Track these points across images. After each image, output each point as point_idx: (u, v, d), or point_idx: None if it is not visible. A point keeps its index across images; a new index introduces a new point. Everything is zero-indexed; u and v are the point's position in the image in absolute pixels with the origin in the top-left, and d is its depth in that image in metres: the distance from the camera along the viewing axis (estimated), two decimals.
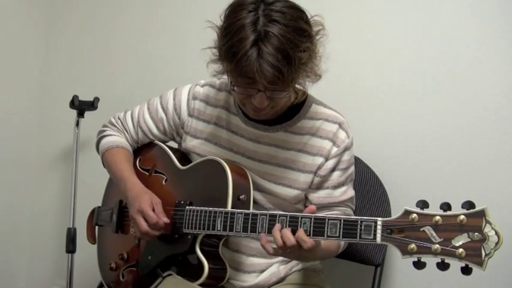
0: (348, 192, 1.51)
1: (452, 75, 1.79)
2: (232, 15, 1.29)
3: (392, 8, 1.90)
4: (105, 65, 2.56)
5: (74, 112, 2.38)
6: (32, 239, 2.73)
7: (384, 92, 1.90)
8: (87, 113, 2.38)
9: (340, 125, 1.49)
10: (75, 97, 2.34)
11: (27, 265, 2.74)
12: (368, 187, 1.81)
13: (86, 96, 2.37)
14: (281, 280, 1.54)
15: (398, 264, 1.86)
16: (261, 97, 1.32)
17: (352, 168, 1.53)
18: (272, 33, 1.23)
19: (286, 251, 1.25)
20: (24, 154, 2.67)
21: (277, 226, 1.26)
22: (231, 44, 1.26)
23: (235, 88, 1.34)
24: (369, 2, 1.94)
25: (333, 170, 1.48)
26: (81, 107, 2.36)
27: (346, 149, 1.49)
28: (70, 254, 2.31)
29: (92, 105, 2.37)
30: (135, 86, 2.45)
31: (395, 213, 1.76)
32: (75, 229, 2.31)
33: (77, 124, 2.38)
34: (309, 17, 1.33)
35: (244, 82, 1.31)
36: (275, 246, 1.26)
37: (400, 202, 1.80)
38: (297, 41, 1.26)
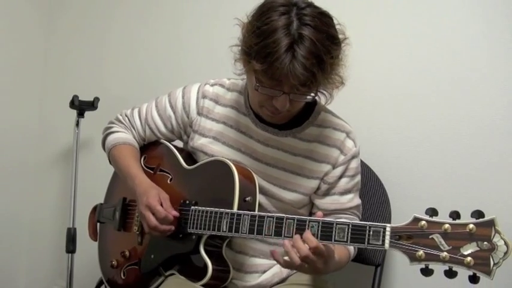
0: (354, 200, 1.52)
1: (453, 76, 1.80)
2: (265, 15, 1.28)
3: (393, 9, 1.91)
4: (105, 65, 2.55)
5: (74, 112, 2.38)
6: (32, 239, 2.73)
7: (385, 92, 1.91)
8: (87, 113, 2.38)
9: (348, 134, 1.50)
10: (75, 97, 2.34)
11: (27, 265, 2.74)
12: (368, 187, 1.82)
13: (86, 96, 2.37)
14: (283, 280, 1.54)
15: (398, 264, 1.87)
16: (284, 99, 1.32)
17: (359, 177, 1.54)
18: (307, 36, 1.24)
19: (303, 264, 1.23)
20: (24, 154, 2.66)
21: (297, 237, 1.23)
22: (264, 45, 1.25)
23: (259, 89, 1.32)
24: (370, 3, 1.95)
25: (341, 177, 1.49)
26: (81, 107, 2.36)
27: (354, 157, 1.50)
28: (70, 254, 2.31)
29: (92, 105, 2.37)
30: (135, 86, 2.45)
31: (395, 213, 1.78)
32: (75, 229, 2.31)
33: (77, 124, 2.38)
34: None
35: (271, 83, 1.30)
36: (286, 257, 1.24)
37: (400, 202, 1.81)
38: (329, 47, 1.27)
